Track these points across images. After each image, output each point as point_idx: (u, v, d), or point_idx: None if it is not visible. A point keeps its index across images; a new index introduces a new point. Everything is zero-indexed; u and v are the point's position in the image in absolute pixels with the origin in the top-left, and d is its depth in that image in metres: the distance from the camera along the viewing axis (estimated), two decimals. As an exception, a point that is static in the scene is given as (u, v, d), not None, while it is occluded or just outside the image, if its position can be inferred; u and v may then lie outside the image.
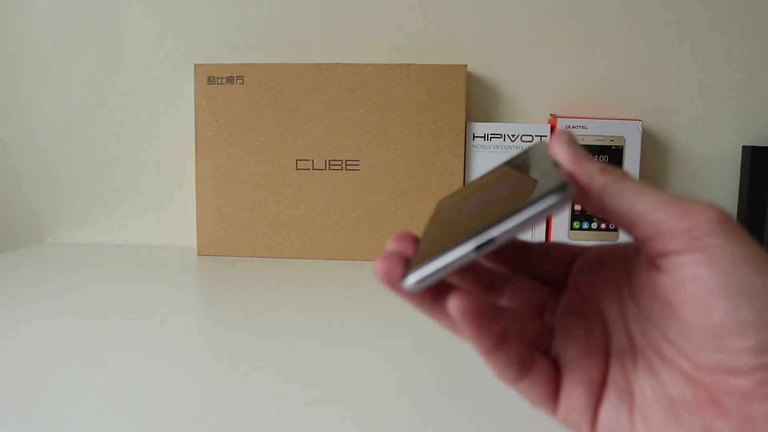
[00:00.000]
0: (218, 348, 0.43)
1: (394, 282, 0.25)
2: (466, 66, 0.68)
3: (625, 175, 0.25)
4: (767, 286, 0.22)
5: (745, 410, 0.22)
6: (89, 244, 0.78)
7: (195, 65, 0.71)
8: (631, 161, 0.67)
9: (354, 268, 0.66)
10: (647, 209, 0.24)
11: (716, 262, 0.22)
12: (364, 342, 0.44)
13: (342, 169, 0.70)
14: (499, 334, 0.24)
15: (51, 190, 0.79)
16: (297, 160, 0.70)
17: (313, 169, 0.70)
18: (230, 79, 0.70)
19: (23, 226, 0.80)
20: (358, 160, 0.70)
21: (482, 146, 0.68)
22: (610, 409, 0.25)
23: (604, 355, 0.27)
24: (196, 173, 0.71)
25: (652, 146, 0.72)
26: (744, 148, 0.68)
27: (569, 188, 0.23)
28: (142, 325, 0.47)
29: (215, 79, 0.70)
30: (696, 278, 0.23)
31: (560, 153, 0.27)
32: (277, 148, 0.70)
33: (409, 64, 0.68)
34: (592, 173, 0.26)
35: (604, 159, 0.67)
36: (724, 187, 0.72)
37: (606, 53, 0.72)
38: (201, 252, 0.72)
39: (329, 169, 0.70)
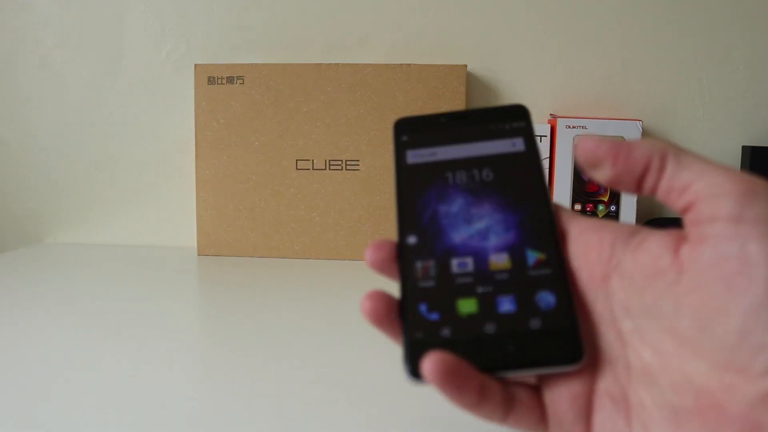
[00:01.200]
0: (218, 348, 0.43)
1: (381, 320, 0.26)
2: (466, 66, 0.68)
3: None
4: None
5: (752, 418, 0.20)
6: (89, 244, 0.78)
7: (195, 65, 0.71)
8: (631, 161, 0.67)
9: (354, 268, 0.66)
10: (706, 170, 0.22)
11: (761, 236, 0.20)
12: (365, 342, 0.44)
13: (342, 169, 0.70)
14: (477, 390, 0.23)
15: (51, 190, 0.79)
16: (297, 160, 0.70)
17: (313, 169, 0.70)
18: (230, 79, 0.70)
19: (23, 226, 0.80)
20: (358, 160, 0.70)
21: (482, 146, 0.68)
22: (605, 420, 0.24)
23: (591, 360, 0.25)
24: (196, 173, 0.71)
25: (652, 146, 0.72)
26: (744, 148, 0.68)
27: (582, 359, 0.24)
28: (142, 325, 0.47)
29: (215, 79, 0.70)
30: (741, 254, 0.21)
31: (599, 152, 0.25)
32: (277, 148, 0.71)
33: (409, 64, 0.69)
34: (650, 142, 0.25)
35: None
36: (724, 187, 0.72)
37: (606, 53, 0.72)
38: (201, 252, 0.72)
39: (329, 169, 0.70)
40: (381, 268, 0.28)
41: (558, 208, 0.28)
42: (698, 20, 0.70)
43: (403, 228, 0.28)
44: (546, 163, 0.68)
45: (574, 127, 0.67)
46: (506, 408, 0.25)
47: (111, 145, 0.77)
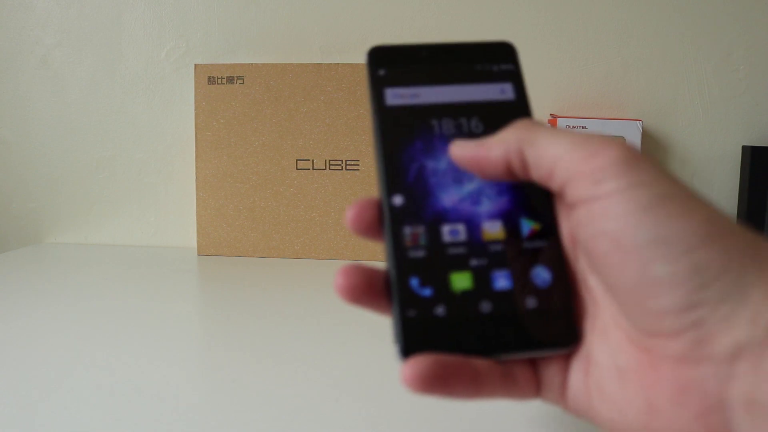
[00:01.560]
0: (218, 347, 0.43)
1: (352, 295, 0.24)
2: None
3: (538, 123, 0.24)
4: (680, 230, 0.19)
5: (681, 379, 0.20)
6: (89, 244, 0.78)
7: (195, 65, 0.71)
8: (631, 161, 0.67)
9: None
10: (561, 153, 0.22)
11: (620, 212, 0.20)
12: (365, 341, 0.44)
13: (342, 169, 0.70)
14: (472, 379, 0.23)
15: (51, 190, 0.79)
16: (297, 160, 0.70)
17: (313, 169, 0.70)
18: (230, 79, 0.70)
19: (23, 226, 0.80)
20: (358, 160, 0.70)
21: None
22: (573, 378, 0.24)
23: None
24: (196, 173, 0.71)
25: (652, 146, 0.72)
26: (744, 148, 0.68)
27: (577, 341, 0.24)
28: (142, 325, 0.47)
29: (215, 79, 0.70)
30: (604, 234, 0.21)
31: (464, 160, 0.25)
32: (277, 148, 0.71)
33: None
34: (503, 139, 0.24)
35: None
36: (724, 186, 0.72)
37: (606, 53, 0.72)
38: (201, 252, 0.72)
39: (329, 169, 0.70)
40: (365, 230, 0.25)
41: None
42: (698, 20, 0.70)
43: (389, 186, 0.26)
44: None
45: (574, 127, 0.67)
46: (506, 389, 0.24)
47: (111, 145, 0.77)
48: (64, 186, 0.79)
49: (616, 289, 0.21)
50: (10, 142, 0.79)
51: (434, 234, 0.25)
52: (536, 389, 0.25)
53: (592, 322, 0.24)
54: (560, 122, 0.67)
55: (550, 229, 0.25)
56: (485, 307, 0.24)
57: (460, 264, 0.25)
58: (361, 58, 0.73)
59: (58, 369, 0.39)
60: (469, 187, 0.26)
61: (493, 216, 0.25)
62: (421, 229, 0.25)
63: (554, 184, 0.23)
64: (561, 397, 0.24)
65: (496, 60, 0.28)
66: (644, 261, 0.20)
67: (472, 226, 0.25)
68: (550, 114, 0.72)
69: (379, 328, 0.47)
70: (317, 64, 0.70)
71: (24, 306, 0.52)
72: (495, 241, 0.25)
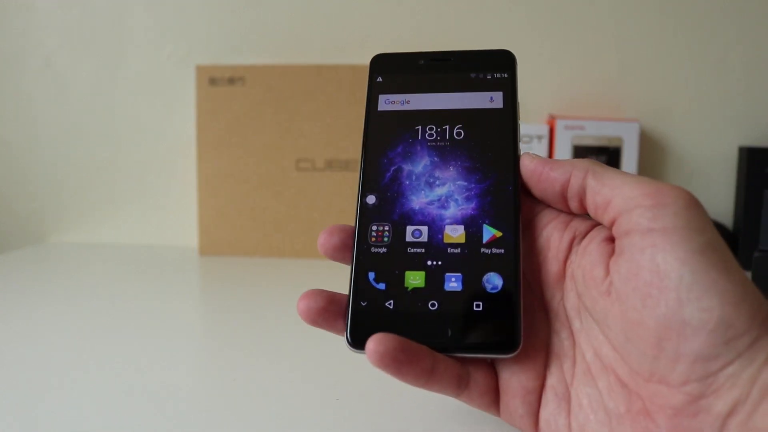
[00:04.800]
0: (219, 347, 0.43)
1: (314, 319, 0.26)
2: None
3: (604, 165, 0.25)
4: (721, 283, 0.20)
5: (676, 427, 0.21)
6: (92, 243, 0.79)
7: (196, 66, 0.71)
8: (629, 162, 0.67)
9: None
10: (624, 186, 0.23)
11: (674, 247, 0.21)
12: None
13: (342, 170, 0.71)
14: (426, 370, 0.24)
15: (54, 190, 0.79)
16: (298, 161, 0.71)
17: (313, 169, 0.71)
18: (231, 80, 0.71)
19: (26, 226, 0.80)
20: (358, 161, 0.70)
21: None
22: (548, 416, 0.25)
23: (545, 356, 0.25)
24: (197, 173, 0.72)
25: (650, 147, 0.73)
26: (740, 149, 0.69)
27: (517, 349, 0.24)
28: (144, 324, 0.47)
29: (216, 80, 0.71)
30: (652, 263, 0.21)
31: (527, 171, 0.26)
32: (278, 149, 0.71)
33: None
34: (571, 163, 0.25)
35: (602, 160, 0.67)
36: (721, 187, 0.72)
37: (603, 54, 0.72)
38: (202, 252, 0.72)
39: (330, 169, 0.71)
40: (333, 254, 0.28)
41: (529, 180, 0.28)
42: (695, 22, 0.71)
43: (365, 185, 0.27)
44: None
45: (572, 127, 0.67)
46: (458, 388, 0.25)
47: (113, 146, 0.78)
48: (66, 186, 0.79)
49: (640, 324, 0.22)
50: (12, 142, 0.79)
51: (398, 233, 0.26)
52: (492, 404, 0.26)
53: (570, 364, 0.25)
54: (559, 123, 0.67)
55: (511, 238, 0.26)
56: (433, 305, 0.25)
57: (416, 263, 0.26)
58: (361, 59, 0.74)
59: (59, 368, 0.39)
60: (441, 190, 0.27)
61: (457, 220, 0.26)
62: (386, 228, 0.26)
63: (609, 215, 0.24)
64: (528, 427, 0.25)
65: (493, 68, 0.29)
66: (681, 300, 0.20)
67: (435, 228, 0.26)
68: (549, 115, 0.73)
69: (378, 327, 0.47)
70: (318, 65, 0.70)
71: (26, 305, 0.52)
72: (454, 245, 0.26)
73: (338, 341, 0.44)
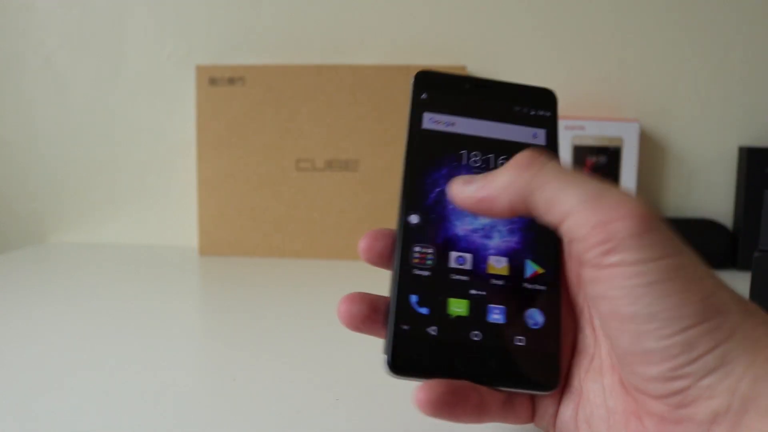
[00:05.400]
0: (219, 346, 0.43)
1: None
2: (465, 67, 0.69)
3: (545, 159, 0.23)
4: (675, 309, 0.20)
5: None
6: (92, 243, 0.79)
7: (196, 66, 0.71)
8: (629, 162, 0.67)
9: (354, 268, 0.66)
10: (572, 208, 0.22)
11: (623, 284, 0.21)
12: (365, 341, 0.44)
13: (342, 170, 0.71)
14: (477, 405, 0.24)
15: (54, 190, 0.79)
16: (298, 161, 0.71)
17: (313, 169, 0.71)
18: (231, 80, 0.71)
19: (26, 226, 0.80)
20: (358, 161, 0.70)
21: (481, 147, 0.69)
22: (563, 409, 0.25)
23: (572, 356, 0.26)
24: (197, 173, 0.72)
25: (650, 147, 0.73)
26: (740, 149, 0.69)
27: (555, 387, 0.24)
28: (145, 324, 0.48)
29: (216, 80, 0.71)
30: (606, 298, 0.21)
31: (463, 202, 0.25)
32: (277, 149, 0.71)
33: (409, 66, 0.69)
34: (509, 182, 0.23)
35: (601, 160, 0.67)
36: (721, 188, 0.72)
37: (603, 54, 0.72)
38: (202, 252, 0.72)
39: (330, 169, 0.71)
40: (376, 259, 0.27)
41: None
42: (695, 20, 0.71)
43: (408, 203, 0.27)
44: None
45: (572, 127, 0.67)
46: (505, 414, 0.25)
47: (113, 146, 0.78)
48: (66, 186, 0.79)
49: (612, 346, 0.23)
50: (13, 142, 0.79)
51: (442, 257, 0.26)
52: (531, 416, 0.26)
53: (589, 359, 0.25)
54: (559, 123, 0.67)
55: (552, 276, 0.26)
56: (476, 335, 0.25)
57: (460, 290, 0.25)
58: (361, 59, 0.74)
59: (59, 368, 0.39)
60: (484, 220, 0.27)
61: (501, 252, 0.26)
62: (430, 250, 0.26)
63: (563, 235, 0.23)
64: (551, 425, 0.26)
65: (535, 105, 0.30)
66: (639, 333, 0.21)
67: (479, 257, 0.26)
68: (549, 115, 0.73)
69: (378, 327, 0.48)
70: (318, 65, 0.70)
71: (26, 305, 0.52)
72: (497, 276, 0.26)
73: (338, 341, 0.45)
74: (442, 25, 0.73)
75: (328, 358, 0.41)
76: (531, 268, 0.26)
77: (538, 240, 0.27)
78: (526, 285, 0.26)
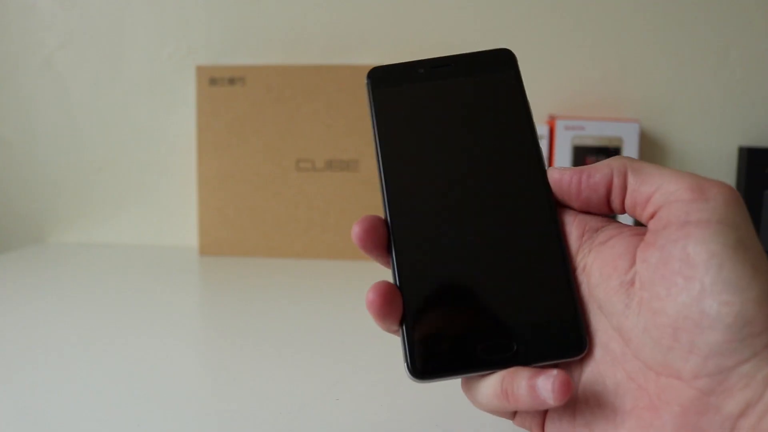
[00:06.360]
0: (219, 346, 0.43)
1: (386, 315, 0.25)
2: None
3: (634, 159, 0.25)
4: (747, 282, 0.20)
5: (685, 422, 0.21)
6: (92, 243, 0.79)
7: (197, 67, 0.71)
8: (629, 162, 0.67)
9: (354, 268, 0.66)
10: (666, 180, 0.23)
11: (706, 239, 0.21)
12: (365, 341, 0.45)
13: (342, 170, 0.71)
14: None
15: (53, 190, 0.79)
16: (298, 161, 0.71)
17: (313, 169, 0.71)
18: (231, 80, 0.71)
19: (26, 226, 0.80)
20: (358, 161, 0.70)
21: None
22: (552, 415, 0.25)
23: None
24: (197, 173, 0.72)
25: (650, 147, 0.73)
26: (740, 149, 0.69)
27: (584, 347, 0.24)
28: (144, 324, 0.48)
29: (216, 80, 0.71)
30: (683, 252, 0.21)
31: (563, 184, 0.26)
32: (278, 149, 0.71)
33: (409, 66, 0.69)
34: (607, 164, 0.25)
35: (602, 160, 0.67)
36: (721, 187, 0.72)
37: (604, 54, 0.72)
38: (203, 252, 0.72)
39: (330, 169, 0.71)
40: (372, 250, 0.27)
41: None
42: (695, 22, 0.71)
43: (393, 206, 0.26)
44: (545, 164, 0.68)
45: (572, 128, 0.67)
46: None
47: (113, 146, 0.78)
48: (66, 186, 0.79)
49: (660, 313, 0.22)
50: (13, 142, 0.79)
51: (440, 252, 0.25)
52: (539, 425, 0.25)
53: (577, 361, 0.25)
54: (559, 123, 0.67)
55: (553, 242, 0.25)
56: (489, 320, 0.24)
57: (464, 280, 0.25)
58: (361, 59, 0.74)
59: (59, 368, 0.39)
60: (474, 204, 0.26)
61: (500, 231, 0.26)
62: (427, 249, 0.25)
63: (648, 210, 0.24)
64: (537, 426, 0.25)
65: (495, 68, 0.29)
66: (704, 291, 0.21)
67: (479, 245, 0.25)
68: (549, 115, 0.73)
69: (379, 327, 0.48)
70: (318, 65, 0.70)
71: (26, 305, 0.52)
72: (500, 258, 0.25)
73: (339, 341, 0.45)
74: (442, 25, 0.73)
75: (328, 358, 0.41)
76: (534, 242, 0.25)
77: (538, 215, 0.26)
78: (528, 258, 0.25)
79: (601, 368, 0.24)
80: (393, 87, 0.29)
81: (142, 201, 0.78)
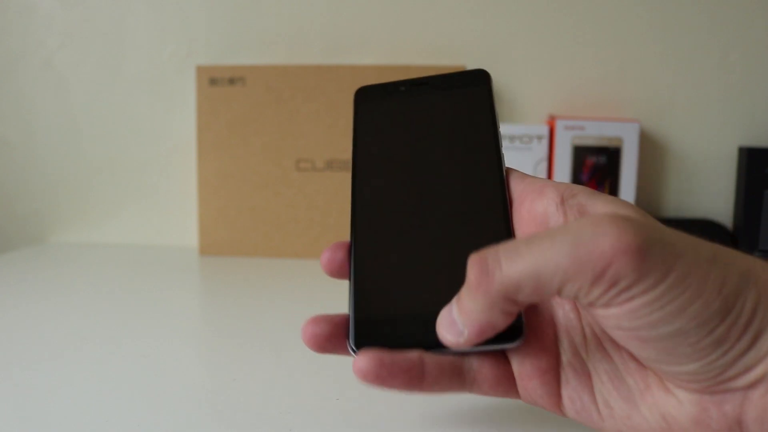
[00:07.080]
0: (219, 347, 0.44)
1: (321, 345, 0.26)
2: (465, 67, 0.69)
3: (498, 262, 0.21)
4: (696, 317, 0.20)
5: (698, 401, 0.22)
6: (92, 243, 0.79)
7: (197, 67, 0.71)
8: (629, 162, 0.67)
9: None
10: (558, 279, 0.20)
11: (639, 315, 0.20)
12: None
13: (342, 170, 0.71)
14: (415, 377, 0.24)
15: (54, 190, 0.79)
16: (298, 161, 0.71)
17: (313, 169, 0.71)
18: (231, 80, 0.71)
19: (26, 226, 0.80)
20: (358, 161, 0.70)
21: (481, 147, 0.68)
22: (571, 393, 0.24)
23: (553, 332, 0.25)
24: (197, 173, 0.72)
25: (650, 147, 0.73)
26: (740, 149, 0.69)
27: (519, 336, 0.24)
28: (145, 324, 0.48)
29: (216, 80, 0.71)
30: (622, 329, 0.21)
31: (466, 346, 0.24)
32: (278, 149, 0.71)
33: (409, 66, 0.69)
34: (477, 303, 0.22)
35: (601, 160, 0.67)
36: (721, 188, 0.72)
37: (604, 54, 0.72)
38: (203, 251, 0.73)
39: (330, 169, 0.71)
40: (337, 272, 0.28)
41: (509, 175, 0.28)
42: (695, 22, 0.71)
43: (357, 213, 0.29)
44: (545, 164, 0.68)
45: (572, 128, 0.67)
46: (463, 382, 0.25)
47: (113, 146, 0.78)
48: (67, 186, 0.79)
49: (633, 354, 0.22)
50: (13, 143, 0.79)
51: (392, 244, 0.27)
52: (508, 390, 0.25)
53: (580, 336, 0.25)
54: (559, 123, 0.67)
55: (504, 231, 0.26)
56: (430, 305, 0.25)
57: (414, 266, 0.27)
58: (361, 59, 0.74)
59: (59, 368, 0.39)
60: (428, 202, 0.28)
61: (449, 225, 0.27)
62: (381, 239, 0.27)
63: (563, 299, 0.24)
64: (553, 407, 0.25)
65: (468, 85, 0.31)
66: (667, 347, 0.20)
67: (429, 237, 0.27)
68: (549, 115, 0.73)
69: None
70: (318, 65, 0.70)
71: (27, 305, 0.52)
72: (448, 247, 0.27)
73: (338, 341, 0.45)
74: (442, 25, 0.73)
75: (328, 358, 0.41)
76: (481, 234, 0.27)
77: (489, 208, 0.27)
78: (467, 244, 0.26)
79: (606, 347, 0.24)
80: (374, 103, 0.31)
81: (143, 201, 0.78)
